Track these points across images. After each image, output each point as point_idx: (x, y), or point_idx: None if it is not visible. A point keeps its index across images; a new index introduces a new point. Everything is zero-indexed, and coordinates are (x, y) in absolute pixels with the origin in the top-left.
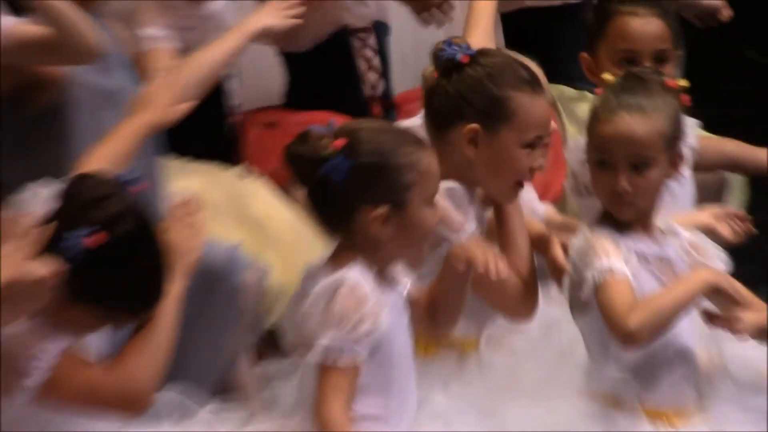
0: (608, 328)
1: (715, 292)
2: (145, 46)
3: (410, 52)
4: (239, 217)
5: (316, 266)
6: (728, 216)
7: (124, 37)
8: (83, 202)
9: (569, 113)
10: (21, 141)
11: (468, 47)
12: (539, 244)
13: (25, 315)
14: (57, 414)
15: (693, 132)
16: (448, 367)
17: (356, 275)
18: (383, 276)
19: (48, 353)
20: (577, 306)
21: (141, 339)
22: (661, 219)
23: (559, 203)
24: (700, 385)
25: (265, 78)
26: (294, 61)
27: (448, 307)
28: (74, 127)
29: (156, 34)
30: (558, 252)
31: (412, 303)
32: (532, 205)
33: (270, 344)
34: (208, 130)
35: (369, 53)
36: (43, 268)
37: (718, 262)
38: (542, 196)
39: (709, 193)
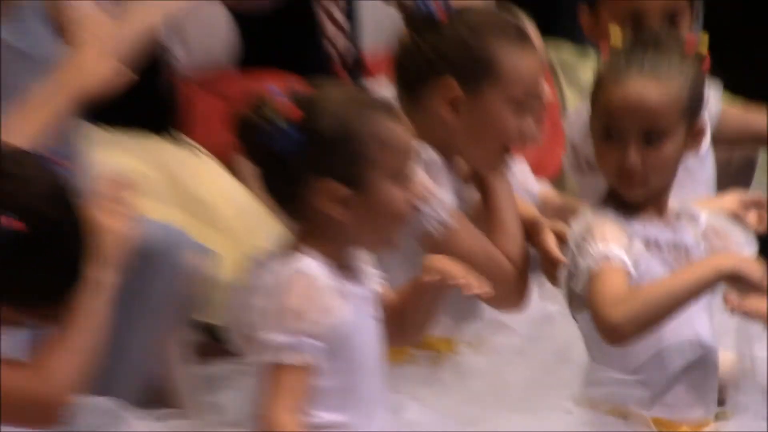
0: (592, 320)
1: (734, 282)
2: (70, 5)
3: (383, 13)
4: (179, 198)
5: (267, 254)
6: (757, 204)
7: None
8: None
9: (570, 78)
10: None
11: (446, 3)
12: (529, 230)
13: None
14: None
15: (714, 100)
16: (421, 371)
17: (312, 264)
18: (346, 266)
19: None
20: (574, 301)
21: (61, 334)
22: (676, 201)
23: (557, 181)
24: (721, 393)
25: (211, 37)
26: (249, 18)
27: (417, 321)
28: None
29: None
30: (549, 241)
31: (382, 303)
32: (525, 183)
33: (213, 343)
34: (143, 97)
35: (336, 12)
36: None
37: (743, 249)
38: (537, 174)
39: (733, 173)
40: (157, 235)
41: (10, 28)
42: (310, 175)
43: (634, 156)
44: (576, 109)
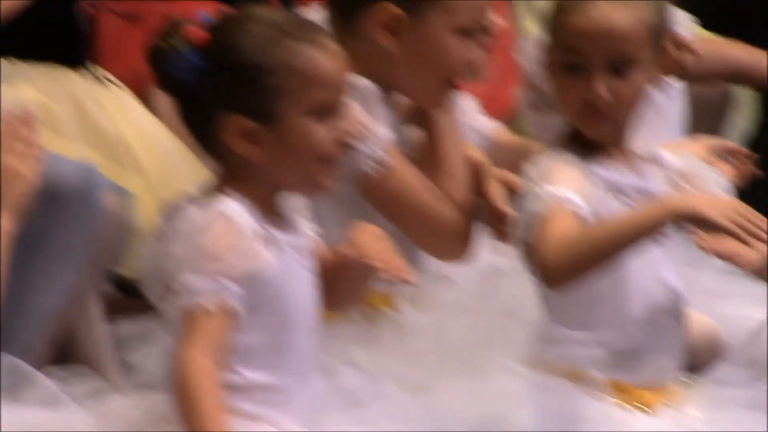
0: (533, 263)
1: (694, 223)
2: None
3: None
4: (91, 135)
5: (187, 197)
6: (726, 150)
7: None
8: None
9: (529, 5)
10: None
11: None
12: (474, 177)
13: None
14: None
15: (686, 31)
16: (357, 330)
17: (234, 206)
18: (276, 213)
19: None
20: (529, 253)
21: None
22: (641, 144)
23: (511, 121)
24: (688, 357)
25: None
26: None
27: (346, 290)
28: None
29: None
30: (495, 192)
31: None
32: (473, 122)
33: (127, 299)
34: (48, 23)
35: None
36: None
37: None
38: (489, 112)
39: (707, 112)
40: (68, 173)
41: None
42: (217, 107)
43: (600, 87)
44: (535, 40)
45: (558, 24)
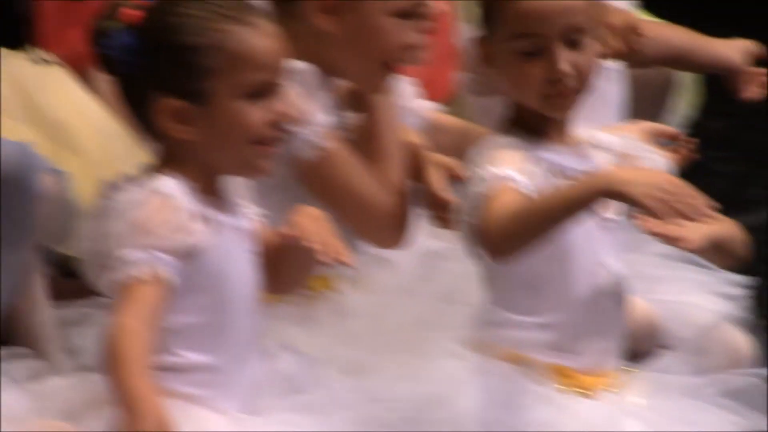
0: (476, 237)
1: (620, 201)
2: None
3: None
4: (31, 116)
5: (125, 177)
6: (666, 136)
7: None
8: None
9: None
10: None
11: None
12: (413, 163)
13: None
14: None
15: (626, 5)
16: (295, 311)
17: (170, 184)
18: (216, 195)
19: None
20: (474, 236)
21: None
22: (581, 128)
23: (450, 104)
24: (629, 344)
25: None
26: None
27: (290, 272)
28: None
29: None
30: (435, 178)
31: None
32: (413, 105)
33: (67, 281)
34: None
35: None
36: None
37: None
38: (428, 95)
39: (648, 96)
40: (5, 154)
41: None
42: (151, 88)
43: (564, 63)
44: (469, 39)
45: (508, 13)
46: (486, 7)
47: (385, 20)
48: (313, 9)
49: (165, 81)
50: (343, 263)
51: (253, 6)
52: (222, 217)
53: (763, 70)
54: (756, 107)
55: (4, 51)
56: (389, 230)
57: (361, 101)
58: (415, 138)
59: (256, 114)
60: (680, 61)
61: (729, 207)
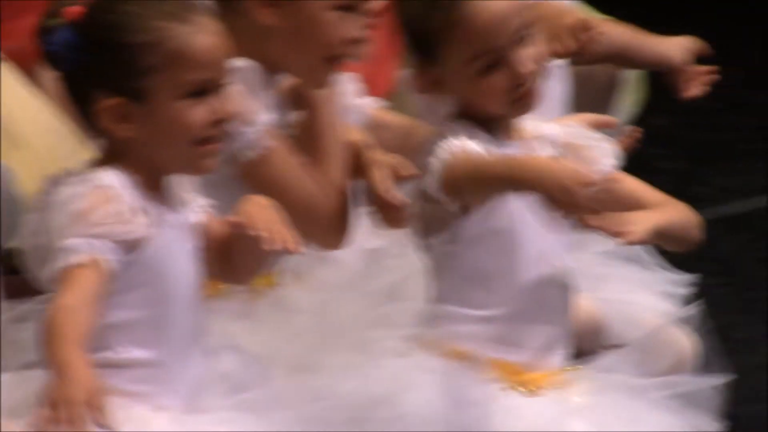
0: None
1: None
2: None
3: None
4: None
5: (67, 172)
6: (606, 125)
7: None
8: None
9: None
10: None
11: None
12: (356, 161)
13: None
14: None
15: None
16: (236, 307)
17: (112, 178)
18: (160, 191)
19: None
20: (430, 228)
21: None
22: (527, 121)
23: (393, 100)
24: (573, 342)
25: None
26: None
27: (244, 262)
28: None
29: None
30: (379, 177)
31: (204, 233)
32: (355, 102)
33: (12, 276)
34: None
35: None
36: None
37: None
38: (369, 91)
39: (593, 94)
40: None
41: None
42: (93, 86)
43: (525, 62)
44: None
45: (460, 38)
46: (426, 41)
47: (327, 14)
48: (254, 4)
49: (106, 79)
50: (290, 251)
51: (195, 4)
52: (164, 213)
53: (703, 67)
54: (699, 105)
55: None
56: (329, 231)
57: (302, 99)
58: (358, 135)
59: (197, 113)
60: (623, 58)
61: None
